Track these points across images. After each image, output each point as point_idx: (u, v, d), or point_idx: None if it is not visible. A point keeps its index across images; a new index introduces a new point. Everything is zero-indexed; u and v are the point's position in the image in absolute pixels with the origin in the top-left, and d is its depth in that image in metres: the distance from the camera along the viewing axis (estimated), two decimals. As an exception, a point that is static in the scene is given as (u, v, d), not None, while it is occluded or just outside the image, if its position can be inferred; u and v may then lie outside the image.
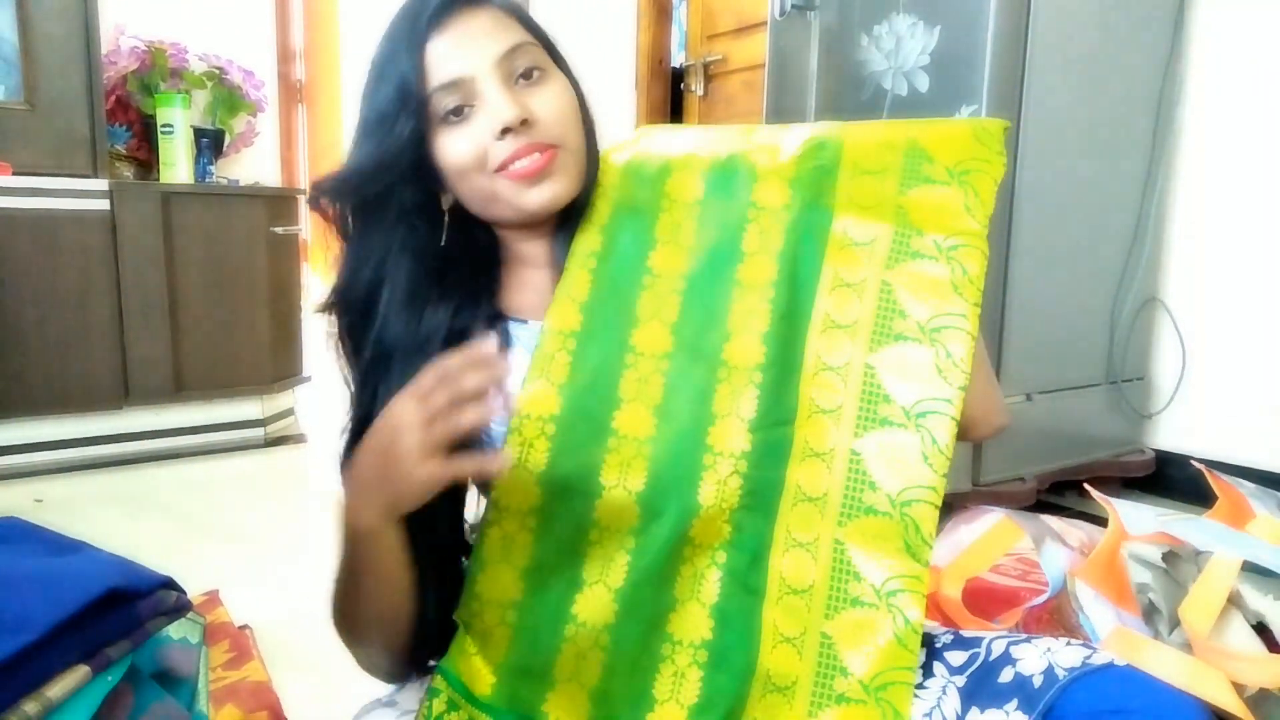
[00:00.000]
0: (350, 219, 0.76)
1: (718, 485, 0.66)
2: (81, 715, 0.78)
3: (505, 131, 0.70)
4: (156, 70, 2.79)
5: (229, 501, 2.37)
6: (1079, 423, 2.11)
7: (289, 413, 3.02)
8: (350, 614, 0.74)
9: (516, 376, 0.74)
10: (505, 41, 0.71)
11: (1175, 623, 0.91)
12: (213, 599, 1.47)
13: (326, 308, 0.78)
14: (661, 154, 0.80)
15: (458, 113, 0.71)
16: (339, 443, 0.77)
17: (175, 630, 1.03)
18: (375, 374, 0.74)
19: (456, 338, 0.73)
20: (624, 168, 0.80)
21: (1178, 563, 0.95)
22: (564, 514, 0.68)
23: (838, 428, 0.68)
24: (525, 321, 0.77)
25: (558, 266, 0.77)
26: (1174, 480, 2.16)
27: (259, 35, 3.25)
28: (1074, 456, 2.10)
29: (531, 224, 0.77)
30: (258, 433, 2.86)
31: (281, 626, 1.48)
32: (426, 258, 0.75)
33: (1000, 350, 1.88)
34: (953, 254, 0.70)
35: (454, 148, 0.72)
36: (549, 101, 0.72)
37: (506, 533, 0.69)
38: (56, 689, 0.76)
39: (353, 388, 0.77)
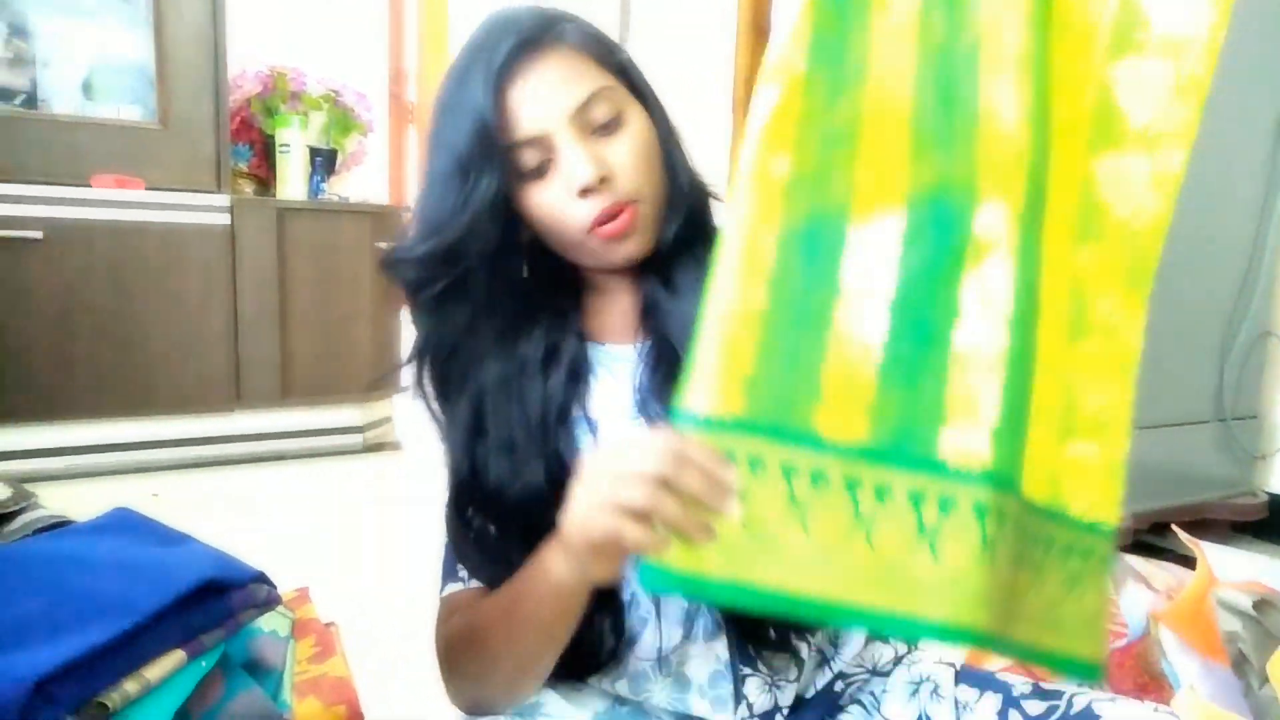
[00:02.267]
0: (435, 287, 0.73)
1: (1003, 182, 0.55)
2: (176, 697, 0.84)
3: (585, 191, 0.69)
4: (278, 93, 2.96)
5: (326, 503, 2.48)
6: (1183, 461, 2.01)
7: (386, 420, 3.13)
8: (507, 663, 0.69)
9: (599, 402, 0.75)
10: (580, 91, 0.69)
11: (1267, 676, 0.87)
12: (303, 595, 1.53)
13: (414, 368, 0.76)
14: None
15: (540, 171, 0.70)
16: (444, 499, 0.75)
17: (266, 623, 1.08)
18: (476, 411, 0.73)
19: (549, 355, 0.74)
20: None
21: (1270, 612, 0.91)
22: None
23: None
24: (603, 344, 0.78)
25: (640, 293, 0.77)
26: (1289, 526, 2.04)
27: (373, 60, 3.41)
28: (1177, 496, 2.00)
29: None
30: (356, 439, 2.98)
31: (365, 626, 1.55)
32: (513, 293, 0.74)
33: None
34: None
35: (537, 205, 0.71)
36: (627, 152, 0.70)
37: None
38: (155, 671, 0.82)
39: (447, 435, 0.75)
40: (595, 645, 0.72)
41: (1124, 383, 0.61)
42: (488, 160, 0.68)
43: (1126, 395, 0.61)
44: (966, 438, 0.53)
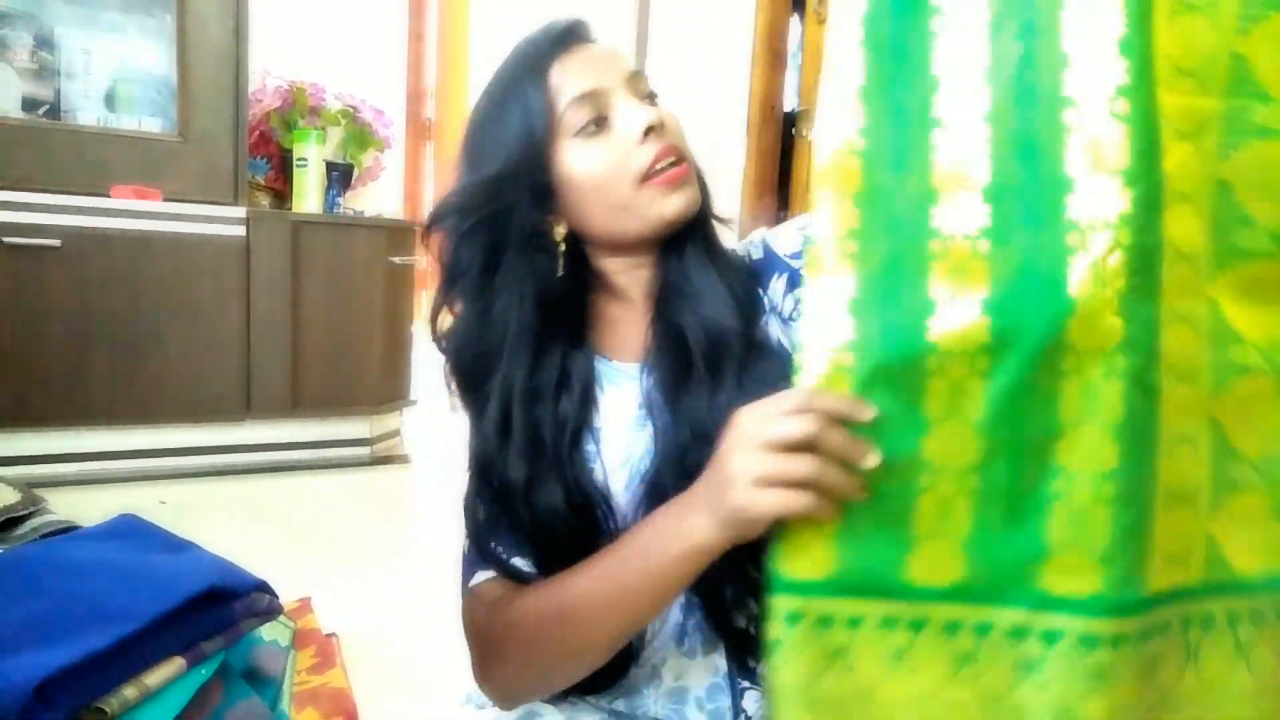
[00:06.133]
0: (468, 252, 0.74)
1: (1094, 268, 0.49)
2: (174, 704, 0.84)
3: (648, 132, 0.71)
4: (296, 108, 2.99)
5: (332, 514, 2.48)
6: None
7: (395, 434, 3.14)
8: (582, 645, 0.66)
9: (604, 412, 0.75)
10: (628, 64, 0.76)
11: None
12: (305, 605, 1.54)
13: (444, 351, 0.78)
14: None
15: (596, 125, 0.72)
16: (463, 485, 0.76)
17: (267, 632, 1.09)
18: (497, 424, 0.73)
19: (562, 380, 0.74)
20: None
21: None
22: (883, 342, 0.53)
23: (1199, 155, 0.53)
24: (609, 360, 0.78)
25: (651, 300, 0.78)
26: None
27: (392, 76, 3.45)
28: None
29: (642, 248, 0.77)
30: (364, 451, 2.99)
31: (366, 637, 1.55)
32: (543, 297, 0.74)
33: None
34: None
35: (592, 161, 0.72)
36: (672, 119, 0.75)
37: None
38: (154, 677, 0.82)
39: (473, 427, 0.76)
40: (606, 667, 0.69)
41: None
42: (531, 128, 0.72)
43: None
44: (1070, 564, 0.51)
